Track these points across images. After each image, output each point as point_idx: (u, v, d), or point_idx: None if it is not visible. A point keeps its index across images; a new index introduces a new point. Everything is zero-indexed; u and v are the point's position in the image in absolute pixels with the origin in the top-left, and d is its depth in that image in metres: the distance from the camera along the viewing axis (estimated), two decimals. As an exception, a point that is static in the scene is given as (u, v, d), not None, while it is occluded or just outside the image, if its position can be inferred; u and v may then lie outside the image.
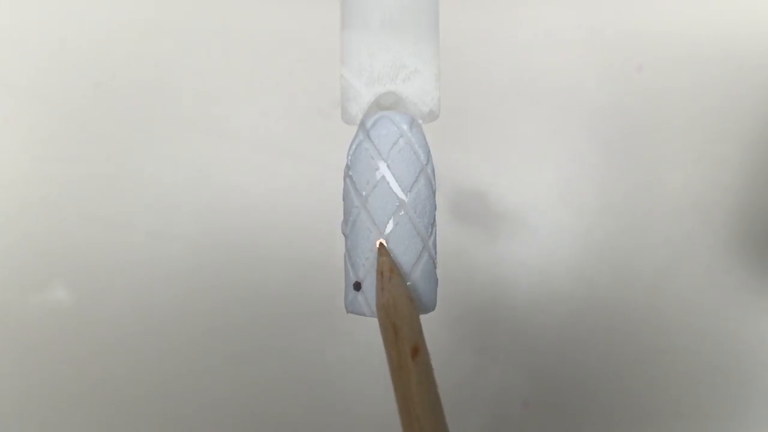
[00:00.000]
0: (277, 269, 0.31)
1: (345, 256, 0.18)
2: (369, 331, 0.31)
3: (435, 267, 0.18)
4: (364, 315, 0.18)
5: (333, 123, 0.32)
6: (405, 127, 0.18)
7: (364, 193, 0.18)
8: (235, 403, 0.31)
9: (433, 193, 0.18)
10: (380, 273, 0.17)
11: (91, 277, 0.31)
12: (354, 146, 0.18)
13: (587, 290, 0.31)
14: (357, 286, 0.18)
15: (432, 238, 0.18)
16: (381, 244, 0.17)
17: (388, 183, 0.17)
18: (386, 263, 0.17)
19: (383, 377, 0.31)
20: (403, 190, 0.18)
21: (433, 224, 0.18)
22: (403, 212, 0.18)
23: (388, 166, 0.18)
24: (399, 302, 0.16)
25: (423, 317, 0.18)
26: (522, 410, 0.31)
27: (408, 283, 0.18)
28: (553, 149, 0.32)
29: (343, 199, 0.18)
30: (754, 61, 0.32)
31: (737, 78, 0.32)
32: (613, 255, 0.31)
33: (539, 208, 0.32)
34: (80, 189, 0.32)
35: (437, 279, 0.18)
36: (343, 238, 0.18)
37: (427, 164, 0.18)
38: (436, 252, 0.18)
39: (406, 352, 0.16)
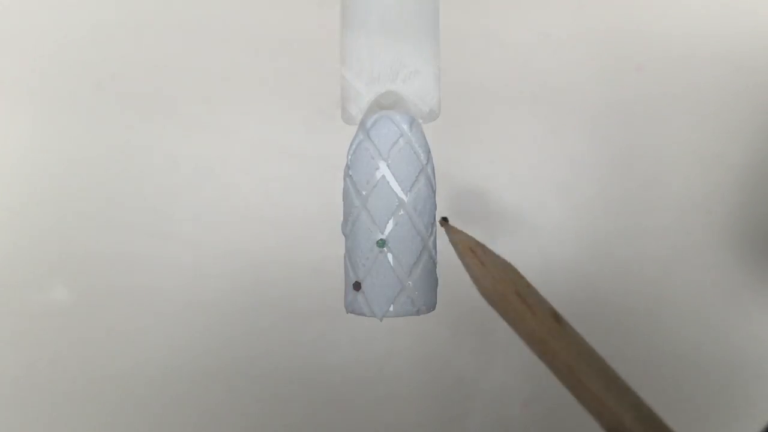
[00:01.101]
0: (277, 269, 0.31)
1: (345, 256, 0.18)
2: (369, 331, 0.31)
3: (435, 267, 0.18)
4: (364, 315, 0.18)
5: (333, 123, 0.32)
6: (405, 126, 0.18)
7: (364, 193, 0.18)
8: (235, 403, 0.31)
9: (433, 192, 0.18)
10: (469, 249, 0.14)
11: (91, 277, 0.31)
12: (354, 146, 0.18)
13: (587, 290, 0.31)
14: (357, 286, 0.18)
15: (432, 238, 0.18)
16: (444, 219, 0.16)
17: (388, 183, 0.18)
18: (469, 239, 0.15)
19: (384, 377, 0.31)
20: (403, 190, 0.18)
21: (433, 224, 0.18)
22: (403, 212, 0.18)
23: (388, 165, 0.18)
24: (509, 270, 0.14)
25: (423, 317, 0.18)
26: (522, 410, 0.31)
27: (408, 283, 0.18)
28: (552, 149, 0.32)
29: (343, 199, 0.18)
30: (754, 61, 0.32)
31: (737, 78, 0.32)
32: (613, 255, 0.31)
33: (539, 208, 0.32)
34: (80, 189, 0.31)
35: (437, 279, 0.18)
36: (343, 238, 0.18)
37: (427, 164, 0.18)
38: (436, 252, 0.18)
39: (549, 319, 0.13)
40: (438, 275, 0.18)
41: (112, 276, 0.31)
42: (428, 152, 0.18)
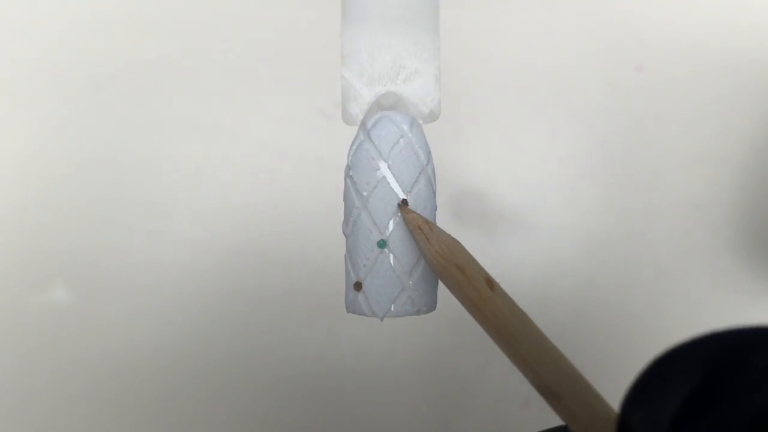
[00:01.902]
0: (277, 269, 0.31)
1: (345, 257, 0.18)
2: (370, 331, 0.31)
3: (435, 267, 0.18)
4: (365, 315, 0.18)
5: (333, 123, 0.32)
6: (405, 127, 0.18)
7: (364, 194, 0.18)
8: (236, 403, 0.31)
9: (434, 193, 0.18)
10: (417, 227, 0.17)
11: (91, 277, 0.31)
12: (355, 146, 0.18)
13: (587, 290, 0.31)
14: (358, 287, 0.18)
15: (432, 239, 0.18)
16: (404, 201, 0.17)
17: (388, 183, 0.18)
18: (418, 217, 0.17)
19: (384, 376, 0.31)
20: (403, 191, 0.18)
21: (433, 224, 0.18)
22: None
23: (388, 166, 0.18)
24: (451, 245, 0.16)
25: (423, 317, 0.18)
26: (522, 410, 0.31)
27: (409, 283, 0.18)
28: (553, 149, 0.32)
29: (344, 200, 0.18)
30: (754, 61, 0.32)
31: (737, 78, 0.32)
32: (613, 255, 0.31)
33: (539, 208, 0.32)
34: (80, 189, 0.32)
35: (437, 279, 0.18)
36: (343, 239, 0.18)
37: (427, 164, 0.18)
38: (436, 252, 0.18)
39: (483, 286, 0.16)
40: (438, 275, 0.18)
41: (111, 276, 0.31)
42: (428, 153, 0.18)
